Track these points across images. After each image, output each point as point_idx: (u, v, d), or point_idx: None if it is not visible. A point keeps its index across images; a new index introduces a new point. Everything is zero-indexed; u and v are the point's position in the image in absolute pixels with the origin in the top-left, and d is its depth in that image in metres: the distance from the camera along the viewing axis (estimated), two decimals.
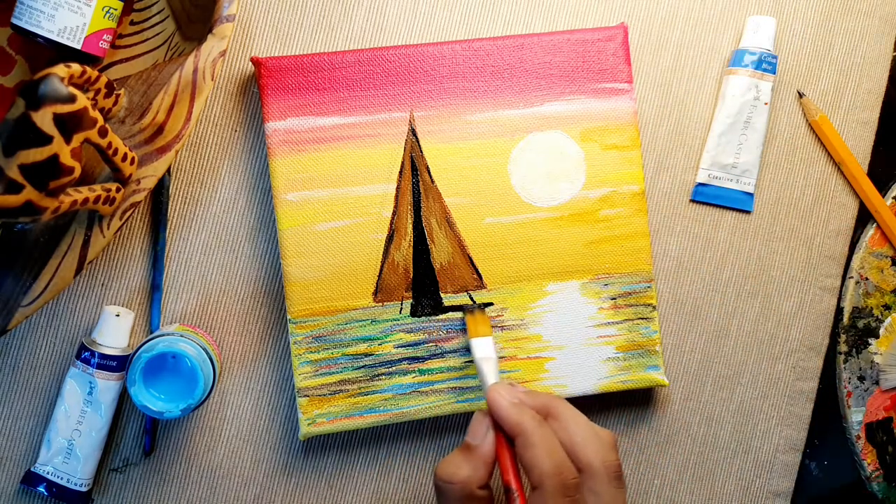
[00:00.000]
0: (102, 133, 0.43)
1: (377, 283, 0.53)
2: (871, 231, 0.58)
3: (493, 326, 0.53)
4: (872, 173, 0.59)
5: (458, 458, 0.43)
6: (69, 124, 0.40)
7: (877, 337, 0.58)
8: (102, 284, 0.54)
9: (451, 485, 0.42)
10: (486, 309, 0.53)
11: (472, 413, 0.55)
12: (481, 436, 0.43)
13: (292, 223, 0.52)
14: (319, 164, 0.52)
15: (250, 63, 0.55)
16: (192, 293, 0.54)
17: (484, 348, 0.49)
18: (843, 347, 0.58)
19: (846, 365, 0.58)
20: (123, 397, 0.54)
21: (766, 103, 0.56)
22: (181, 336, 0.49)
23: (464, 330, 0.53)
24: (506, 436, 0.43)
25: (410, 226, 0.53)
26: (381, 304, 0.53)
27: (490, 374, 0.47)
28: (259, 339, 0.55)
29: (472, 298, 0.53)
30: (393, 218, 0.53)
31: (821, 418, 0.59)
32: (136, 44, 0.53)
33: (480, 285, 0.54)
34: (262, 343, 0.55)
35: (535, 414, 0.43)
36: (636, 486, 0.57)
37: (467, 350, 0.53)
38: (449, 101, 0.53)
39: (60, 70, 0.39)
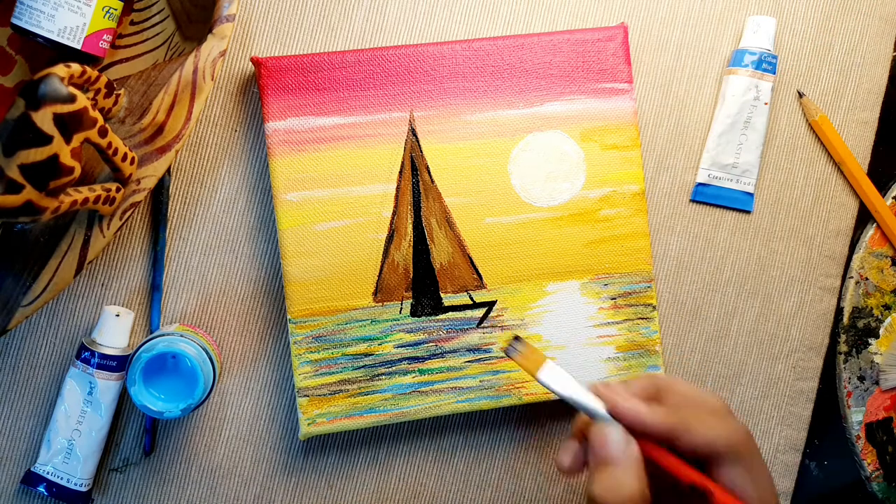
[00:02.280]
0: (102, 133, 0.43)
1: (377, 283, 0.53)
2: (871, 231, 0.58)
3: (493, 327, 0.53)
4: (872, 173, 0.59)
5: (618, 473, 0.40)
6: (69, 124, 0.40)
7: (877, 337, 0.58)
8: (102, 284, 0.54)
9: (628, 499, 0.39)
10: (492, 308, 0.53)
11: (474, 413, 0.55)
12: (624, 443, 0.41)
13: (292, 223, 0.52)
14: (319, 164, 0.52)
15: (250, 63, 0.55)
16: (192, 293, 0.54)
17: (556, 375, 0.43)
18: (843, 347, 0.58)
19: (846, 365, 0.58)
20: (123, 397, 0.54)
21: (766, 103, 0.56)
22: (181, 336, 0.49)
23: (463, 330, 0.53)
24: (646, 438, 0.41)
25: (410, 226, 0.53)
26: (381, 304, 0.53)
27: (585, 394, 0.43)
28: (259, 339, 0.55)
29: (472, 298, 0.53)
30: (393, 218, 0.53)
31: (821, 418, 0.59)
32: (136, 44, 0.53)
33: (480, 285, 0.54)
34: (262, 343, 0.55)
35: (662, 404, 0.42)
36: None
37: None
38: (449, 101, 0.53)
39: (60, 70, 0.39)
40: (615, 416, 0.41)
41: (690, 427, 0.41)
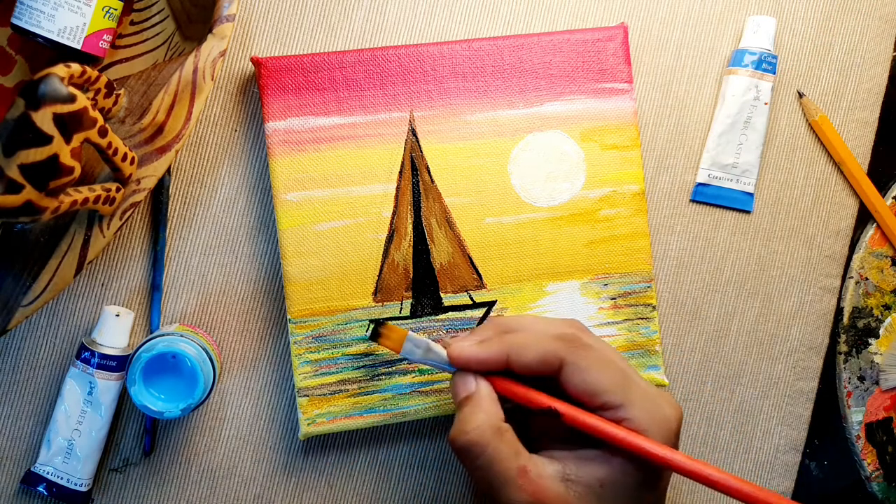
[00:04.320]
0: (102, 133, 0.43)
1: (377, 283, 0.53)
2: (871, 231, 0.58)
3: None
4: (872, 173, 0.59)
5: (465, 412, 0.43)
6: (69, 124, 0.40)
7: (877, 337, 0.58)
8: (102, 284, 0.54)
9: (475, 430, 0.42)
10: (492, 308, 0.54)
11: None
12: (472, 382, 0.44)
13: (292, 223, 0.52)
14: (319, 164, 0.52)
15: (250, 63, 0.55)
16: (192, 293, 0.54)
17: (416, 344, 0.46)
18: (843, 347, 0.58)
19: (846, 365, 0.58)
20: (123, 397, 0.54)
21: (766, 103, 0.57)
22: (181, 336, 0.49)
23: (463, 330, 0.53)
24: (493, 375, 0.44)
25: (410, 226, 0.53)
26: (381, 304, 0.53)
27: (440, 353, 0.46)
28: (259, 339, 0.55)
29: (471, 298, 0.53)
30: (393, 218, 0.53)
31: (821, 418, 0.59)
32: (136, 44, 0.53)
33: (480, 285, 0.54)
34: (262, 343, 0.55)
35: (501, 337, 0.44)
36: None
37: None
38: (449, 101, 0.53)
39: (60, 70, 0.39)
40: (453, 363, 0.44)
41: (518, 348, 0.43)
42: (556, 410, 0.42)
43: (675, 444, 0.43)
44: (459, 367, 0.45)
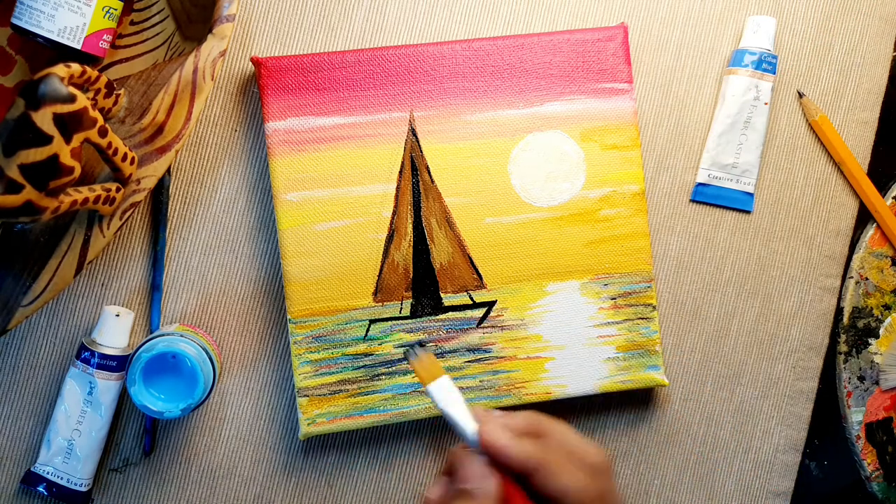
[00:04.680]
0: (102, 133, 0.43)
1: (377, 283, 0.53)
2: (871, 231, 0.58)
3: (493, 327, 0.53)
4: (872, 173, 0.59)
5: None
6: (69, 124, 0.40)
7: (877, 337, 0.58)
8: (102, 284, 0.54)
9: None
10: (492, 308, 0.54)
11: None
12: (483, 477, 0.39)
13: (292, 223, 0.52)
14: (319, 164, 0.52)
15: (250, 63, 0.55)
16: (192, 293, 0.54)
17: (446, 392, 0.42)
18: (843, 347, 0.58)
19: (846, 365, 0.58)
20: (123, 397, 0.54)
21: (766, 103, 0.56)
22: (181, 336, 0.49)
23: (463, 330, 0.53)
24: (508, 473, 0.40)
25: (410, 226, 0.53)
26: (381, 304, 0.53)
27: (464, 416, 0.41)
28: (259, 339, 0.55)
29: (471, 298, 0.53)
30: (393, 218, 0.53)
31: (821, 418, 0.59)
32: (136, 44, 0.53)
33: (480, 285, 0.54)
34: (262, 343, 0.55)
35: (534, 441, 0.40)
36: (636, 486, 0.57)
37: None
38: (449, 101, 0.53)
39: (60, 70, 0.39)
40: (482, 441, 0.40)
41: (550, 469, 0.39)
42: None
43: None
44: (484, 452, 0.40)
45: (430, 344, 0.53)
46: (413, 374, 0.53)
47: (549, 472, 0.39)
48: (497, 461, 0.40)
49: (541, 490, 0.39)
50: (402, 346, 0.52)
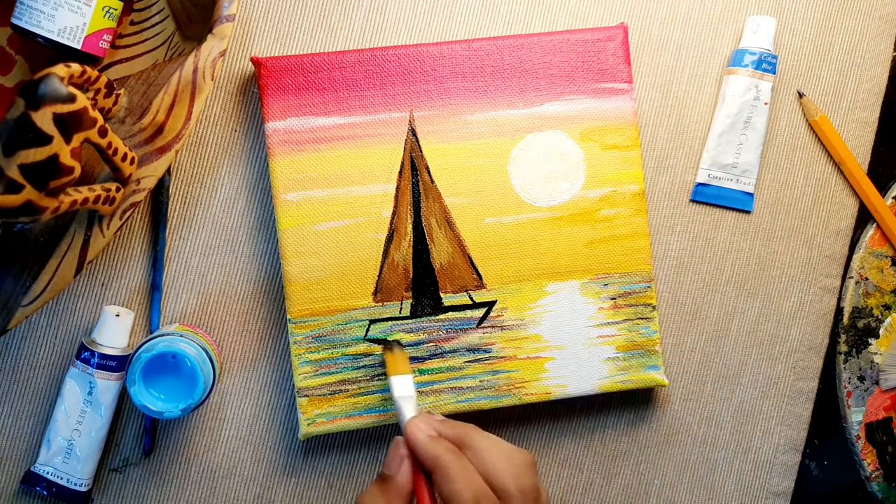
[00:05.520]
0: (102, 133, 0.43)
1: (377, 283, 0.53)
2: (871, 231, 0.58)
3: (492, 327, 0.53)
4: (872, 173, 0.59)
5: (375, 490, 0.43)
6: (69, 124, 0.40)
7: (877, 337, 0.58)
8: (102, 284, 0.54)
9: None
10: (492, 308, 0.54)
11: (473, 413, 0.55)
12: (396, 467, 0.43)
13: (292, 223, 0.52)
14: (319, 164, 0.52)
15: (250, 63, 0.55)
16: (192, 293, 0.54)
17: (403, 387, 0.48)
18: (843, 347, 0.58)
19: (846, 365, 0.58)
20: (123, 397, 0.54)
21: (766, 103, 0.56)
22: (181, 336, 0.49)
23: (463, 330, 0.53)
24: (424, 470, 0.43)
25: (410, 226, 0.53)
26: (381, 304, 0.53)
27: (409, 410, 0.46)
28: (259, 339, 0.55)
29: (471, 298, 0.53)
30: (393, 218, 0.53)
31: (821, 418, 0.59)
32: (136, 44, 0.53)
33: (480, 285, 0.54)
34: (262, 343, 0.55)
35: (450, 446, 0.42)
36: (636, 486, 0.57)
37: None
38: (449, 101, 0.53)
39: (60, 70, 0.39)
40: (405, 431, 0.44)
41: (446, 473, 0.41)
42: None
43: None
44: (408, 443, 0.44)
45: (431, 344, 0.53)
46: (413, 375, 0.53)
47: (444, 475, 0.41)
48: (413, 455, 0.43)
49: (438, 491, 0.42)
50: (382, 340, 0.53)
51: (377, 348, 0.53)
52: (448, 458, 0.41)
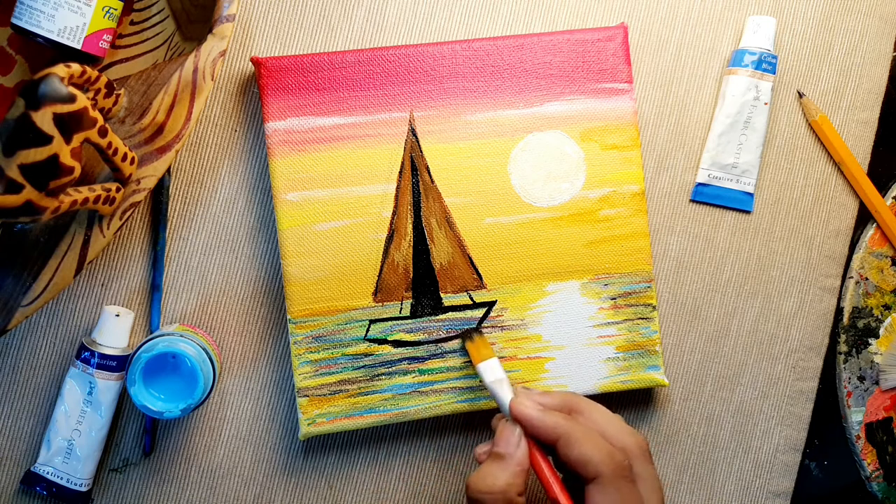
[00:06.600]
0: (102, 133, 0.43)
1: (377, 283, 0.53)
2: (871, 231, 0.58)
3: (493, 327, 0.53)
4: (872, 173, 0.59)
5: (494, 468, 0.43)
6: (69, 124, 0.40)
7: (877, 337, 0.58)
8: (102, 284, 0.54)
9: (490, 495, 0.42)
10: (492, 308, 0.54)
11: (474, 413, 0.55)
12: (514, 444, 0.44)
13: (292, 223, 0.52)
14: (319, 164, 0.52)
15: (250, 63, 0.55)
16: (192, 293, 0.54)
17: (493, 371, 0.49)
18: (843, 347, 0.58)
19: (846, 365, 0.58)
20: (123, 397, 0.54)
21: (766, 103, 0.57)
22: (181, 336, 0.49)
23: (463, 329, 0.53)
24: (539, 445, 0.44)
25: (410, 226, 0.53)
26: (381, 304, 0.53)
27: (506, 391, 0.47)
28: (259, 339, 0.55)
29: (471, 298, 0.53)
30: (393, 218, 0.53)
31: (821, 418, 0.59)
32: (136, 44, 0.53)
33: (480, 285, 0.54)
34: (262, 343, 0.55)
35: (564, 415, 0.44)
36: None
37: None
38: (449, 101, 0.53)
39: (60, 70, 0.39)
40: (512, 411, 0.45)
41: (572, 438, 0.43)
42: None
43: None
44: (514, 420, 0.45)
45: (431, 344, 0.53)
46: (413, 375, 0.53)
47: (570, 440, 0.43)
48: (527, 431, 0.45)
49: (564, 458, 0.43)
50: (460, 333, 0.53)
51: (377, 348, 0.53)
52: (568, 425, 0.43)
